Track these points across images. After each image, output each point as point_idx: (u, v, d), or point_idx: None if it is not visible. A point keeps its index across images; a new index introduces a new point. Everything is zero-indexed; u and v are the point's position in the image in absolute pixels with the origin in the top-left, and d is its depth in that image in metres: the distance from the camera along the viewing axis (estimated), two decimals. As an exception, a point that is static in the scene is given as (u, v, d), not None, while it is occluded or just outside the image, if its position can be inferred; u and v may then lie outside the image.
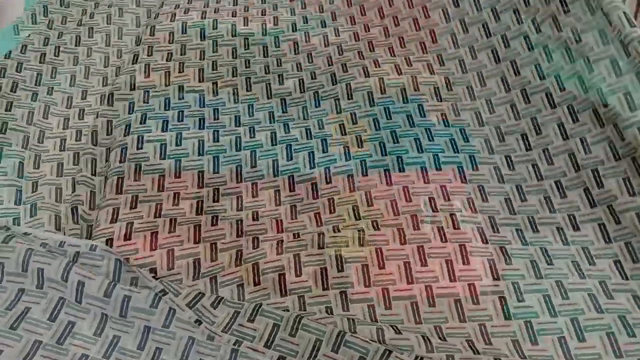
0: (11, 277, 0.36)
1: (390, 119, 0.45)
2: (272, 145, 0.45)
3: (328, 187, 0.41)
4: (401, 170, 0.42)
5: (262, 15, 0.55)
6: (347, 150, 0.43)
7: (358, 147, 0.44)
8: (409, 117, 0.45)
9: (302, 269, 0.37)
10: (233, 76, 0.50)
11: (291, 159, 0.43)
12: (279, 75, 0.50)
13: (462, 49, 0.50)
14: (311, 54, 0.51)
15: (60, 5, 0.57)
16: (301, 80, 0.49)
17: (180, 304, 0.36)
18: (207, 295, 0.36)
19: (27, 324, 0.35)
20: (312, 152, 0.44)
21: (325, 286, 0.36)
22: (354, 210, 0.40)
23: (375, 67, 0.49)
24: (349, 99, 0.47)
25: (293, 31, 0.53)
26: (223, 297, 0.36)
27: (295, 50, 0.51)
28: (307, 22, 0.54)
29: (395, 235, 0.38)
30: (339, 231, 0.39)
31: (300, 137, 0.45)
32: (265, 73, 0.50)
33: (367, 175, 0.42)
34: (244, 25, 0.53)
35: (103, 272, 0.37)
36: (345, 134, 0.45)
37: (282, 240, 0.38)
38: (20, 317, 0.35)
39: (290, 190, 0.42)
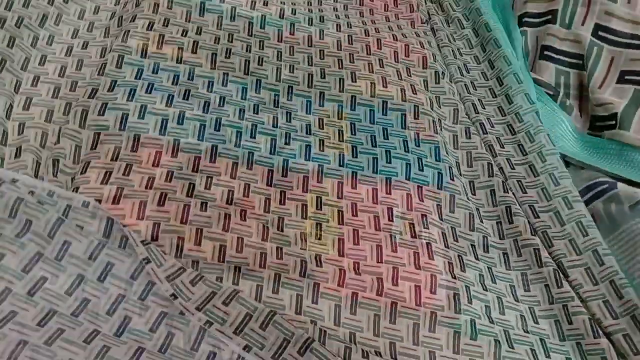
0: None
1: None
2: (271, 154, 0.45)
3: (318, 211, 0.43)
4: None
5: (280, 16, 0.55)
6: (340, 186, 0.45)
7: (352, 185, 0.45)
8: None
9: (280, 288, 0.38)
10: (245, 74, 0.50)
11: (286, 175, 0.45)
12: (289, 87, 0.50)
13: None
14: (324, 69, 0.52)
15: None
16: (309, 102, 0.50)
17: (160, 276, 0.36)
18: (188, 272, 0.37)
19: None
20: (307, 177, 0.45)
21: (298, 311, 0.38)
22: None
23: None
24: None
25: (309, 46, 0.54)
26: (203, 276, 0.37)
27: (309, 62, 0.52)
28: (323, 38, 0.55)
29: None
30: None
31: (299, 155, 0.46)
32: (277, 80, 0.51)
33: (356, 215, 0.44)
34: (261, 28, 0.54)
35: (93, 231, 0.37)
36: (344, 166, 0.46)
37: (266, 253, 0.40)
38: None
39: (280, 203, 0.43)
